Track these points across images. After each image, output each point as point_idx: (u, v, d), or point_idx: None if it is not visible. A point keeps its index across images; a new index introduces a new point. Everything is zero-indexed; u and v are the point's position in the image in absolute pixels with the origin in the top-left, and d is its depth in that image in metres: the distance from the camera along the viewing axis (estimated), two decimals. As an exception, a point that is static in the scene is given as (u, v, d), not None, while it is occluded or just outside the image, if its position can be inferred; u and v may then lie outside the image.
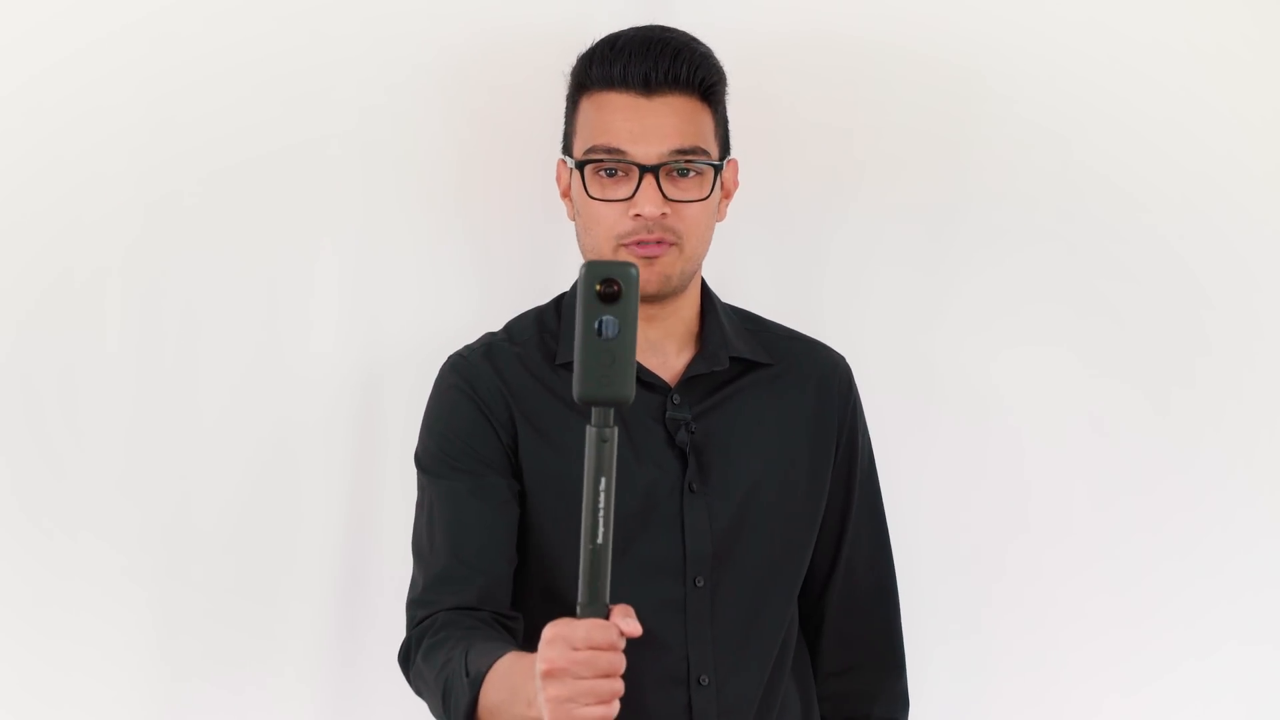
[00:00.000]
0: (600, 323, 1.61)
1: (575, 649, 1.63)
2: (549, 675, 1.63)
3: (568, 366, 2.10)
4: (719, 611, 2.10)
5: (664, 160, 2.05)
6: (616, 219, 2.05)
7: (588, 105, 2.09)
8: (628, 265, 1.63)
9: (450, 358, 2.16)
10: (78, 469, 2.39)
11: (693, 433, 2.11)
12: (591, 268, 1.63)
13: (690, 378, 2.13)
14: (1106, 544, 2.53)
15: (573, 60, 2.14)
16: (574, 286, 2.17)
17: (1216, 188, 2.53)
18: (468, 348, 2.17)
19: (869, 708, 2.26)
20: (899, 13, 2.49)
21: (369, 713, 2.44)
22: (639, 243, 2.05)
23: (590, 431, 1.63)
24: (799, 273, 2.51)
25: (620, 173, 2.06)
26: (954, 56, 2.50)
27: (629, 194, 2.05)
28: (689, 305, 2.15)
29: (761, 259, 2.48)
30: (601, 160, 2.06)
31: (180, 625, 2.41)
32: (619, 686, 1.64)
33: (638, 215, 2.04)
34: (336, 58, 2.43)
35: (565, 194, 2.14)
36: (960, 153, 2.51)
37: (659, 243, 2.05)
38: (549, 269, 2.37)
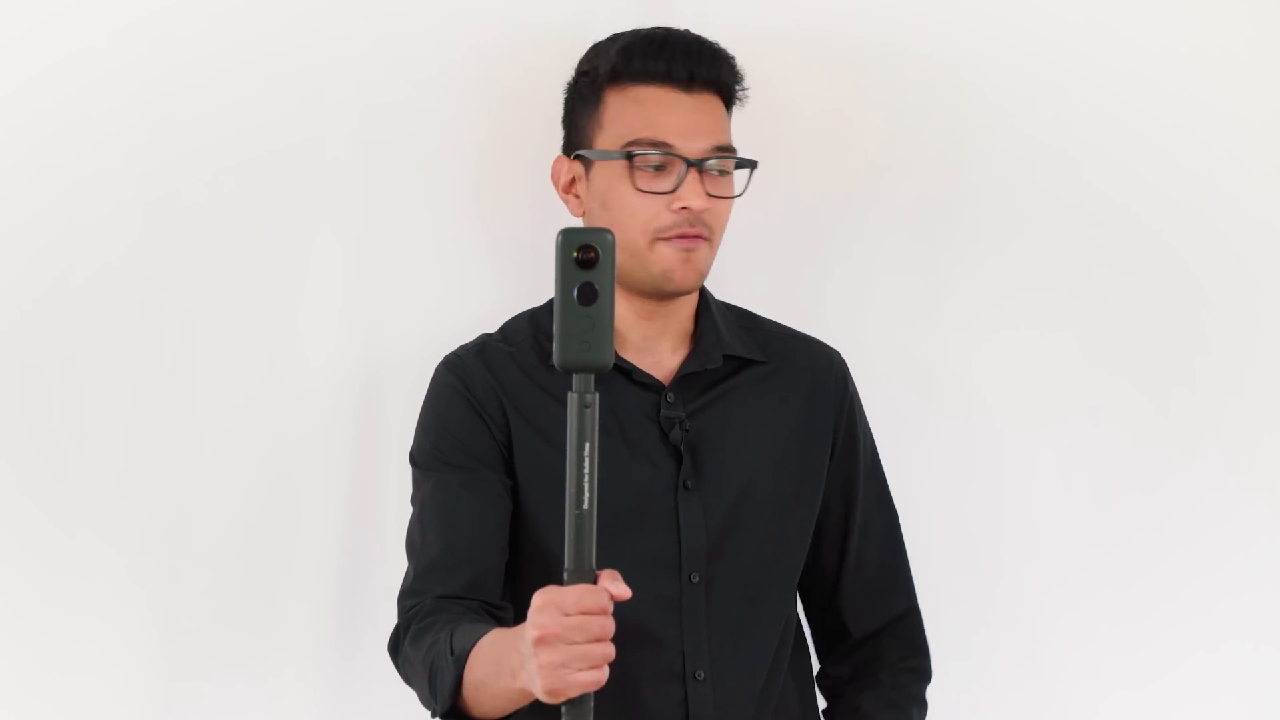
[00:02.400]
0: (579, 289, 1.62)
1: (566, 614, 1.63)
2: (541, 642, 1.63)
3: (564, 366, 2.12)
4: (714, 607, 2.09)
5: (706, 156, 2.07)
6: (656, 212, 2.06)
7: (621, 99, 2.10)
8: (604, 231, 1.65)
9: (445, 358, 2.17)
10: (78, 469, 2.38)
11: (686, 430, 2.11)
12: (568, 234, 1.64)
13: (684, 375, 2.13)
14: (1107, 543, 2.52)
15: (573, 59, 2.16)
16: None
17: (1216, 187, 2.53)
18: (462, 347, 2.17)
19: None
20: (897, 12, 2.50)
21: (368, 713, 2.43)
22: (680, 236, 2.06)
23: (572, 398, 1.64)
24: (797, 271, 2.51)
25: (664, 166, 2.07)
26: (951, 56, 2.50)
27: (670, 188, 2.06)
28: (688, 303, 2.16)
29: (759, 257, 2.48)
30: (648, 153, 2.06)
31: (180, 625, 2.40)
32: (610, 650, 1.64)
33: (684, 208, 2.05)
34: (337, 58, 2.42)
35: (569, 190, 2.14)
36: (958, 152, 2.51)
37: (696, 236, 2.07)
38: (551, 270, 2.35)
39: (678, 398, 2.12)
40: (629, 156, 2.06)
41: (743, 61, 2.17)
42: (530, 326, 2.18)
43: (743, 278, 2.29)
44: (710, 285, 2.19)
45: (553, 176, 2.16)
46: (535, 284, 2.30)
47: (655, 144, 2.06)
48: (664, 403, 2.11)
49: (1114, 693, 2.52)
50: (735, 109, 2.17)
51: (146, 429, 2.40)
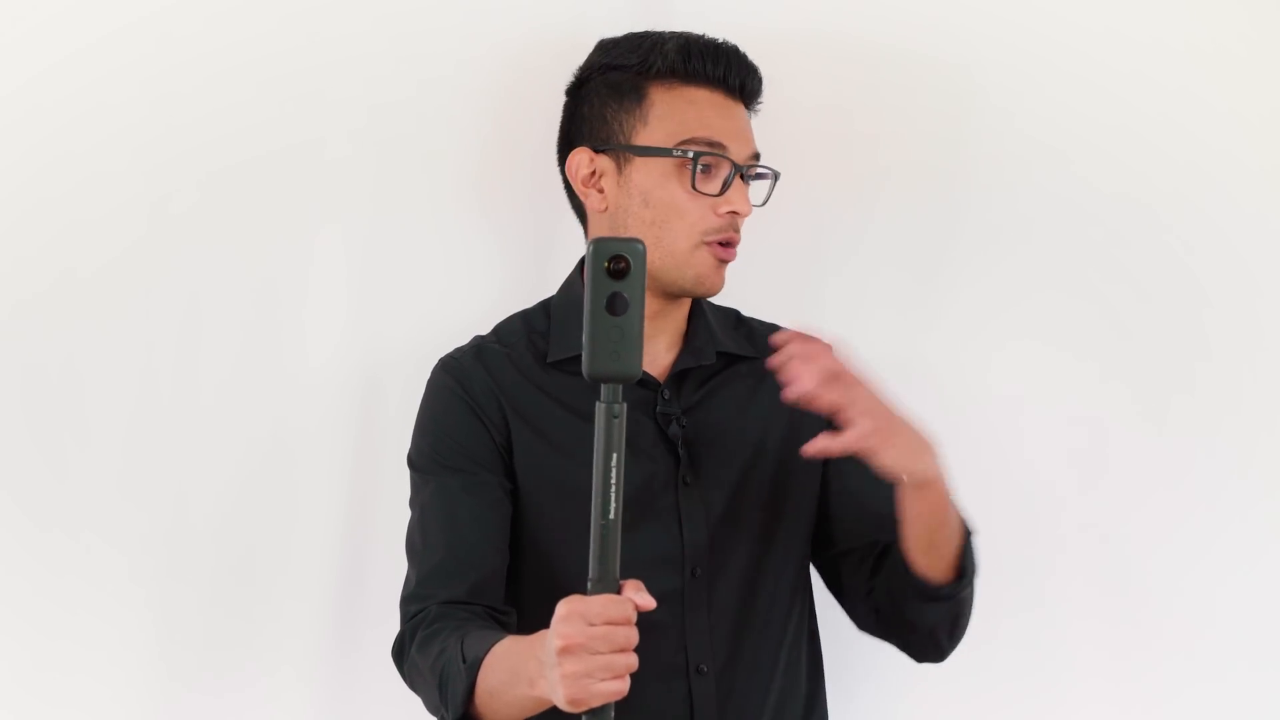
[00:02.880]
0: (609, 299, 1.63)
1: (591, 624, 1.64)
2: (566, 651, 1.64)
3: (559, 365, 2.11)
4: (716, 601, 2.10)
5: (748, 163, 2.09)
6: (703, 214, 2.07)
7: (672, 97, 2.09)
8: (635, 241, 1.65)
9: (441, 360, 2.16)
10: (78, 469, 2.38)
11: (683, 426, 2.12)
12: (599, 244, 1.64)
13: (679, 372, 2.14)
14: (1106, 546, 2.52)
15: (573, 59, 2.15)
16: (560, 290, 2.19)
17: (1215, 186, 2.52)
18: (458, 350, 2.17)
19: None
20: (894, 12, 2.50)
21: (366, 712, 2.43)
22: (725, 243, 2.08)
23: (600, 408, 1.65)
24: (798, 275, 2.51)
25: (710, 169, 2.07)
26: (948, 55, 2.50)
27: (716, 190, 2.07)
28: (686, 302, 2.17)
29: (760, 260, 2.45)
30: (709, 153, 2.07)
31: (179, 625, 2.41)
32: (634, 661, 1.66)
33: (732, 213, 2.07)
34: (339, 57, 2.42)
35: (589, 183, 2.12)
36: (956, 153, 2.51)
37: (734, 244, 2.09)
38: (553, 273, 2.32)
39: (673, 394, 2.13)
40: (694, 156, 2.06)
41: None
42: (524, 326, 2.18)
43: (744, 280, 2.29)
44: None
45: (569, 169, 2.13)
46: (538, 283, 2.31)
47: (713, 144, 2.07)
48: (660, 399, 2.12)
49: (1113, 697, 2.52)
50: None
51: (147, 428, 2.40)
